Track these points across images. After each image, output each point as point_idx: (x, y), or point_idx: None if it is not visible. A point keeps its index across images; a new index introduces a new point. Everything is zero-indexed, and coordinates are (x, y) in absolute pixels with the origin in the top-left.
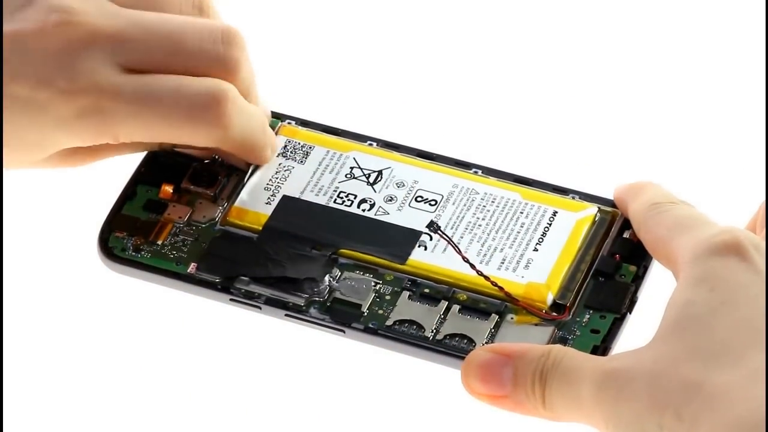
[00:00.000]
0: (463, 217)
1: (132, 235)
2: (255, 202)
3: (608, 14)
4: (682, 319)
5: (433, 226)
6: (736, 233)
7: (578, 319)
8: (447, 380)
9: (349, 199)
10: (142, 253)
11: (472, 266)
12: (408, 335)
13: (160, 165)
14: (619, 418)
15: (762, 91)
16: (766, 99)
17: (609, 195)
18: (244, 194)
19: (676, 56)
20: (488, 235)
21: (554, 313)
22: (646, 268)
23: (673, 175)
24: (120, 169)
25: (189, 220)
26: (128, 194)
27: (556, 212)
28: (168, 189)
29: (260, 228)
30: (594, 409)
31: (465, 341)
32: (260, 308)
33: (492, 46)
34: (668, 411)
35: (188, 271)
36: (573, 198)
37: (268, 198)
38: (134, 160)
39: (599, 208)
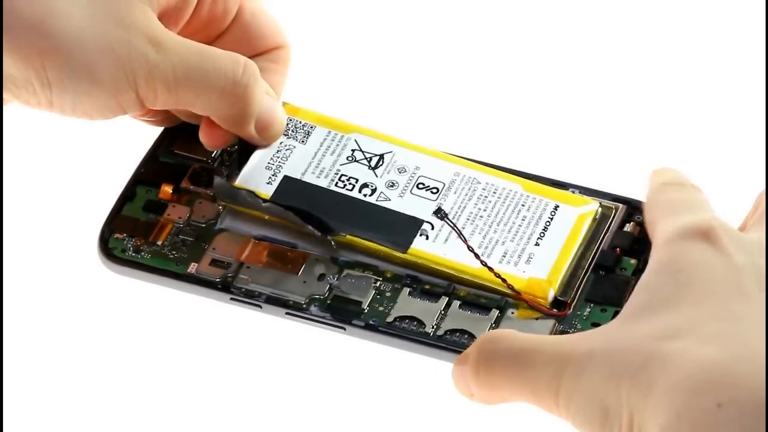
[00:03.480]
0: (464, 207)
1: (132, 235)
2: (256, 181)
3: (609, 10)
4: (646, 298)
5: (440, 213)
6: (708, 220)
7: (579, 312)
8: (448, 376)
9: (350, 183)
10: (142, 253)
11: (477, 256)
12: (409, 331)
13: (160, 165)
14: (580, 396)
15: (762, 89)
16: (766, 96)
17: (610, 190)
18: (245, 172)
19: (678, 51)
20: (490, 227)
21: (555, 310)
22: (646, 261)
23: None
24: (120, 170)
25: (189, 220)
26: (128, 195)
27: (558, 206)
28: (167, 189)
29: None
30: (547, 391)
31: (466, 336)
32: (261, 307)
33: (494, 42)
34: (625, 378)
35: (188, 271)
36: (574, 192)
37: (269, 178)
38: (134, 159)
39: (600, 203)
